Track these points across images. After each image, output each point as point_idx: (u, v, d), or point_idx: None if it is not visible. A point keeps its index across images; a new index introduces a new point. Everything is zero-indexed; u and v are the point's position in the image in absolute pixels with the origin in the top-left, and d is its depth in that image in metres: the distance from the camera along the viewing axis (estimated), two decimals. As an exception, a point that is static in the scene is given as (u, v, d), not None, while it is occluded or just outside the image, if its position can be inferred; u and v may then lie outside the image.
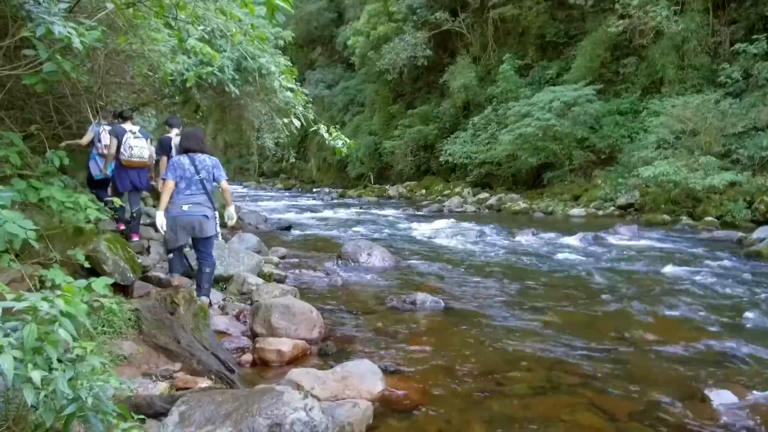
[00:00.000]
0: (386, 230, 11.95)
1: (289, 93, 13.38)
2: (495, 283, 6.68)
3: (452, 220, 13.65)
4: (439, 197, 21.75)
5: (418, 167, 26.08)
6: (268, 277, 6.04)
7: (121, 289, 4.94)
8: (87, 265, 3.98)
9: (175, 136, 7.94)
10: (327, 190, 28.71)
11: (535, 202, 17.83)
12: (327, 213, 16.04)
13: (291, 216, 15.15)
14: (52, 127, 5.51)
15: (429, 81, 27.55)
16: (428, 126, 25.07)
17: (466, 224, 12.73)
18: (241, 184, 35.66)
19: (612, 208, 15.59)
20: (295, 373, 3.26)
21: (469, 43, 25.58)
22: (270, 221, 13.44)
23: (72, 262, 4.43)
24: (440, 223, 12.88)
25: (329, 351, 4.15)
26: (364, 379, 3.31)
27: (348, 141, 4.60)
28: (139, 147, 6.54)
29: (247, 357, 3.96)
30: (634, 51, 18.99)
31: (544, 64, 23.33)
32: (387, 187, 25.35)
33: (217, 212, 4.82)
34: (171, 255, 4.95)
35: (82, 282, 3.08)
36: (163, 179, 4.83)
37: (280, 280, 6.35)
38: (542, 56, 23.79)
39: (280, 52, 13.06)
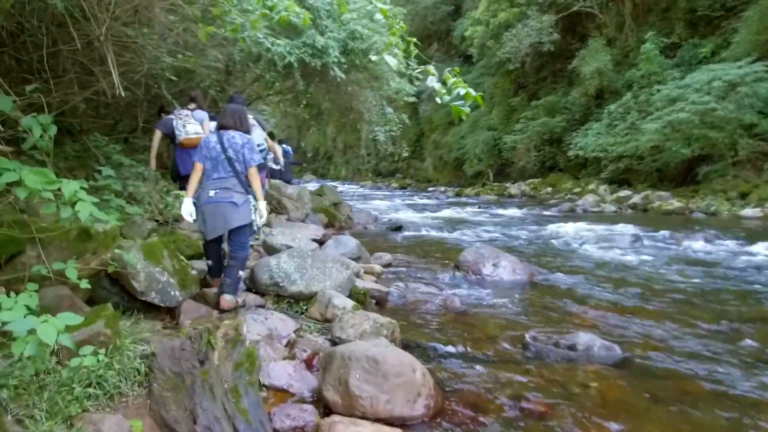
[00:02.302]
0: (511, 232, 9.95)
1: (399, 79, 11.91)
2: (685, 315, 4.51)
3: (590, 222, 11.27)
4: (568, 195, 19.06)
5: (543, 163, 23.38)
6: (362, 296, 4.45)
7: (168, 311, 3.64)
8: (83, 284, 2.63)
9: None
10: (442, 188, 26.96)
11: (692, 201, 14.66)
12: (442, 212, 14.29)
13: (403, 215, 13.62)
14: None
15: (555, 69, 24.69)
16: (554, 118, 22.32)
17: (611, 227, 10.32)
18: (357, 184, 35.15)
19: (799, 208, 12.16)
20: None
21: (603, 23, 22.40)
22: (380, 221, 12.03)
23: (93, 272, 3.16)
24: (577, 225, 10.59)
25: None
26: None
27: (473, 92, 2.87)
28: (192, 123, 6.21)
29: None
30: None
31: (695, 41, 19.62)
32: (507, 185, 22.98)
33: (253, 198, 3.95)
34: (208, 261, 4.14)
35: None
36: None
37: (380, 300, 4.75)
38: (692, 33, 20.06)
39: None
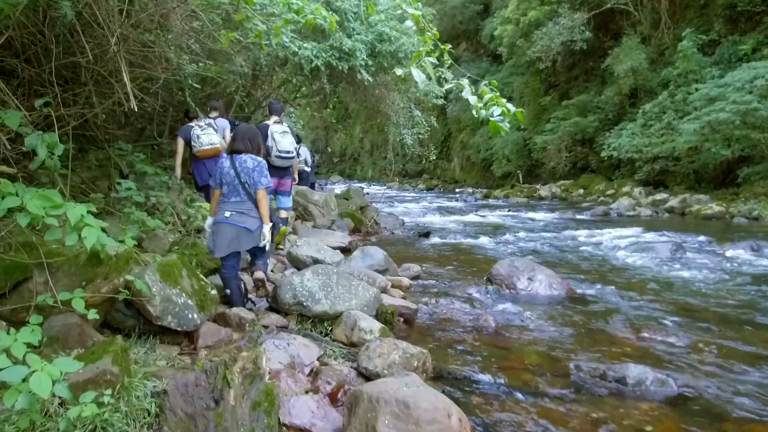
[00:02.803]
0: (544, 239, 9.55)
1: (428, 82, 11.59)
2: (741, 339, 4.11)
3: (626, 227, 10.78)
4: (601, 198, 18.46)
5: (574, 164, 22.75)
6: (390, 316, 4.18)
7: (186, 334, 3.44)
8: (91, 314, 2.42)
9: (273, 123, 6.69)
10: (470, 190, 26.51)
11: (732, 205, 13.96)
12: (471, 216, 13.92)
13: (431, 220, 13.32)
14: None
15: (587, 68, 24.01)
16: (587, 117, 21.68)
17: (649, 233, 9.84)
18: (384, 185, 34.90)
19: None
20: None
21: (637, 21, 21.64)
22: (407, 225, 11.75)
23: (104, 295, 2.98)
24: (613, 232, 10.13)
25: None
26: None
27: (509, 108, 2.56)
28: (207, 134, 6.26)
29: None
30: None
31: (735, 38, 18.75)
32: (537, 186, 22.41)
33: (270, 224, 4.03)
34: (227, 290, 4.06)
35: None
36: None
37: (409, 318, 4.48)
38: (732, 29, 19.18)
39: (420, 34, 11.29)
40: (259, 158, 3.99)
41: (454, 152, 33.65)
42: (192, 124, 6.57)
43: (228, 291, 3.99)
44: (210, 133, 6.39)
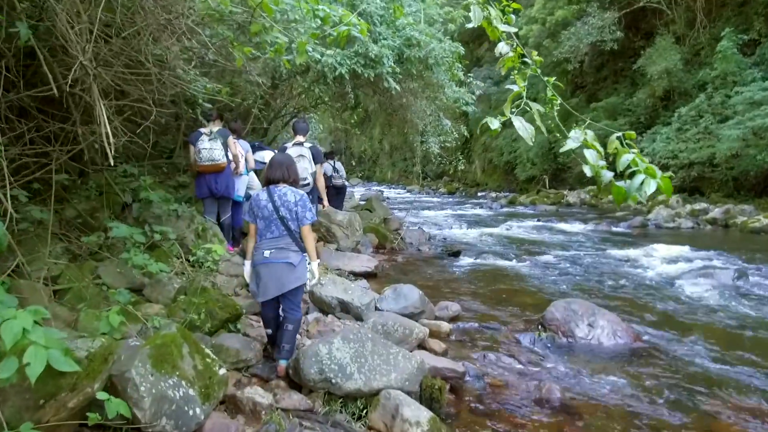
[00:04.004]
0: (586, 263, 8.67)
1: (457, 88, 10.78)
2: None
3: (670, 243, 9.84)
4: (634, 206, 17.41)
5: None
6: (437, 392, 3.39)
7: None
8: None
9: (292, 145, 6.05)
10: (493, 194, 25.60)
11: (782, 217, 12.89)
12: (499, 228, 13.06)
13: (458, 233, 12.49)
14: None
15: (615, 69, 22.91)
16: (616, 120, 20.60)
17: (699, 253, 8.91)
18: (404, 188, 34.11)
19: None
20: None
21: (671, 20, 20.49)
22: (434, 240, 10.95)
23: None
24: (659, 251, 9.21)
25: None
26: None
27: (658, 172, 1.81)
28: (208, 149, 5.70)
29: None
30: None
31: (777, 38, 17.61)
32: (565, 192, 21.39)
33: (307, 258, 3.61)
34: (267, 330, 3.71)
35: None
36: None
37: (456, 386, 3.71)
38: (774, 28, 18.02)
39: (449, 38, 10.47)
40: (300, 191, 3.62)
41: (475, 154, 32.70)
42: (202, 130, 5.90)
43: (267, 332, 3.69)
44: (213, 148, 5.73)
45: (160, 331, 2.83)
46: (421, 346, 4.39)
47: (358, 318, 4.79)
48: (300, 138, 6.41)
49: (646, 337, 4.87)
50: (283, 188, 3.56)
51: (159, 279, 4.07)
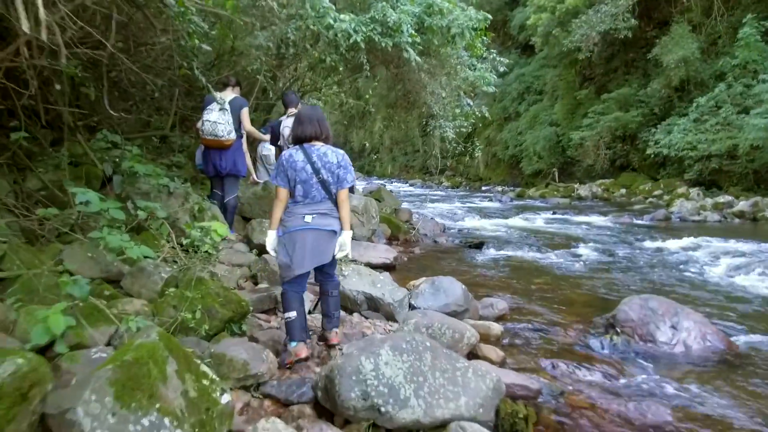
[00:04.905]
0: (620, 251, 7.76)
1: (470, 71, 9.81)
2: None
3: (707, 236, 8.93)
4: (649, 199, 16.54)
5: (612, 162, 20.76)
6: (523, 425, 2.46)
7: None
8: None
9: (286, 118, 5.17)
10: (499, 188, 24.68)
11: (814, 211, 12.02)
12: (516, 220, 12.14)
13: (472, 224, 11.57)
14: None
15: (626, 59, 21.97)
16: (628, 112, 19.70)
17: (743, 245, 8.01)
18: (406, 182, 33.14)
19: None
20: None
21: (687, 7, 19.56)
22: (449, 231, 10.04)
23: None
24: (704, 244, 8.30)
25: None
26: None
27: None
28: (212, 122, 4.81)
29: None
30: None
31: (799, 25, 16.72)
32: (575, 185, 20.45)
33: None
34: (289, 314, 2.98)
35: None
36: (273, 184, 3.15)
37: (530, 406, 2.77)
38: (796, 15, 17.14)
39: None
40: (340, 150, 3.14)
41: (478, 148, 31.73)
42: (216, 95, 4.92)
43: (289, 316, 2.98)
44: (218, 122, 4.81)
45: (135, 339, 1.88)
46: (473, 353, 3.46)
47: (390, 317, 3.86)
48: (292, 110, 5.56)
49: (740, 344, 3.95)
50: (320, 147, 3.07)
51: (142, 267, 3.12)
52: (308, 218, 2.98)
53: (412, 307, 4.03)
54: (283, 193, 3.06)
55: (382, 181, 32.60)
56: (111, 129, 5.61)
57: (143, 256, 2.96)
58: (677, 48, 17.91)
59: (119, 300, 2.95)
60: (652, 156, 18.09)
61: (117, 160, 3.98)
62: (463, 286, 4.20)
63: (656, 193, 17.00)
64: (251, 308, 3.35)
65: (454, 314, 3.98)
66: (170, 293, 3.03)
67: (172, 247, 3.43)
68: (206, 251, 3.31)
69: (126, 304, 2.92)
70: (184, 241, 3.41)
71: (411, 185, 30.36)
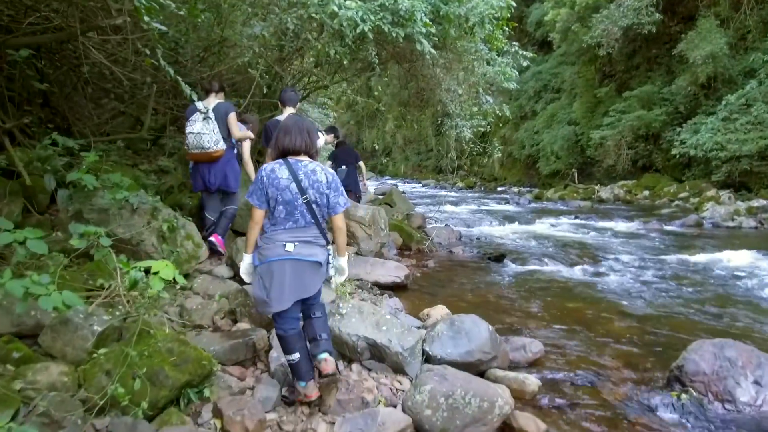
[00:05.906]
0: (666, 269, 6.80)
1: (489, 65, 8.92)
2: None
3: (757, 250, 7.95)
4: (675, 202, 15.48)
5: (634, 162, 19.66)
6: None
7: None
8: None
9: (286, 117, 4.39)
10: (515, 189, 23.70)
11: None
12: (538, 227, 11.23)
13: (489, 230, 10.69)
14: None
15: (649, 56, 20.82)
16: (652, 111, 18.60)
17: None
18: (419, 182, 32.26)
19: None
20: None
21: (714, 1, 18.39)
22: (466, 240, 9.18)
23: None
24: (748, 257, 7.34)
25: None
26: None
27: None
28: (196, 134, 4.17)
29: None
30: None
31: (835, 19, 15.57)
32: (596, 187, 19.40)
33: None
34: (292, 357, 2.60)
35: None
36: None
37: None
38: (830, 9, 15.97)
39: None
40: (329, 169, 2.73)
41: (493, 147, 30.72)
42: (198, 104, 4.21)
43: (292, 359, 2.62)
44: (202, 132, 4.15)
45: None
46: (507, 423, 2.62)
47: (399, 369, 3.03)
48: (290, 109, 4.75)
49: (842, 404, 3.05)
50: (308, 163, 2.64)
51: (67, 319, 2.33)
52: (290, 246, 2.56)
53: (426, 354, 3.19)
54: (258, 214, 2.63)
55: (394, 181, 31.77)
56: (84, 131, 4.86)
57: (64, 306, 2.16)
58: (704, 43, 16.78)
59: (31, 366, 2.16)
60: (677, 156, 17.03)
61: (62, 168, 3.20)
62: (490, 327, 3.34)
63: (682, 195, 15.94)
64: (217, 366, 2.55)
65: (479, 363, 3.14)
66: (102, 354, 2.23)
67: (114, 287, 2.63)
68: (155, 296, 2.51)
69: (38, 373, 2.13)
70: (123, 285, 2.60)
71: (424, 186, 29.50)
